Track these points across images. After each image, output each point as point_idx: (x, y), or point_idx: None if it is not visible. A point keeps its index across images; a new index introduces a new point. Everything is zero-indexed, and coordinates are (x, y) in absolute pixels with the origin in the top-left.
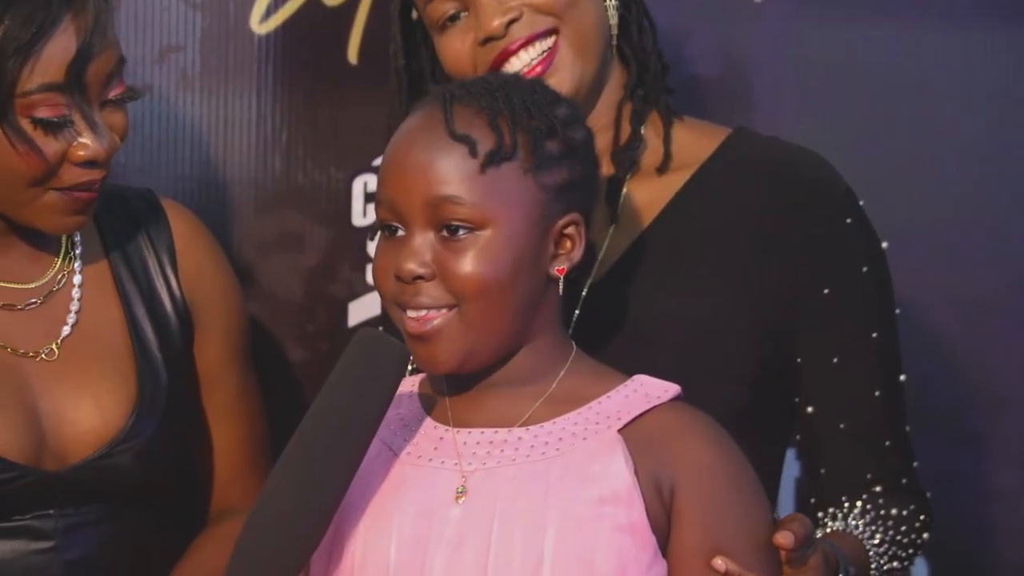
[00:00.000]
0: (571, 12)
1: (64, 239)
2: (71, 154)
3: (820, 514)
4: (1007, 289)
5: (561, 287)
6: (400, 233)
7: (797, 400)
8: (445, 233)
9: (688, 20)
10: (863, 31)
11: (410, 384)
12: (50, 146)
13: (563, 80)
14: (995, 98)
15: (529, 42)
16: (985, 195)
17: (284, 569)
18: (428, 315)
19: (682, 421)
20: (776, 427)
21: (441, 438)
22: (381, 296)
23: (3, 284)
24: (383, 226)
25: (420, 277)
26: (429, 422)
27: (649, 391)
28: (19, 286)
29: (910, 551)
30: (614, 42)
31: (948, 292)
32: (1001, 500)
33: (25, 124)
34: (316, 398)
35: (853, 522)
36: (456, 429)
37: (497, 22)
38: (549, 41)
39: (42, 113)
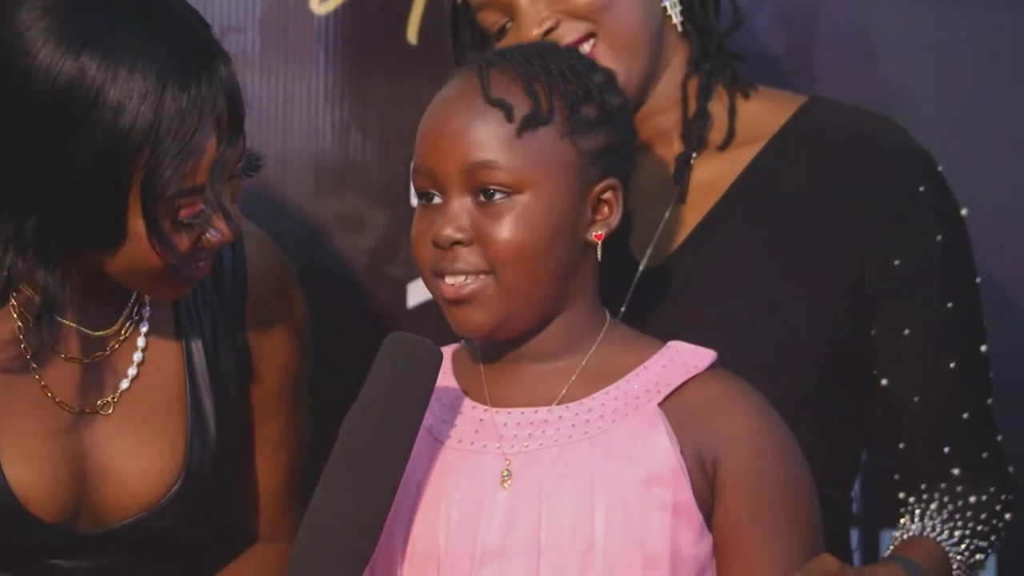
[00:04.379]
0: (608, 14)
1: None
2: (204, 242)
3: (902, 495)
4: None
5: (599, 254)
6: (437, 200)
7: (875, 373)
8: (482, 198)
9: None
10: (928, 2)
11: (447, 362)
12: (184, 242)
13: None
14: None
15: None
16: None
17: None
18: (465, 281)
19: (722, 391)
20: (855, 405)
21: (480, 419)
22: (419, 265)
23: (81, 329)
24: (421, 194)
25: (458, 242)
26: (467, 403)
27: (687, 360)
28: (92, 332)
29: (992, 538)
30: (678, 19)
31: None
32: None
33: (165, 225)
34: (355, 403)
35: (929, 522)
36: (495, 409)
37: (536, 31)
38: (587, 46)
39: (183, 215)
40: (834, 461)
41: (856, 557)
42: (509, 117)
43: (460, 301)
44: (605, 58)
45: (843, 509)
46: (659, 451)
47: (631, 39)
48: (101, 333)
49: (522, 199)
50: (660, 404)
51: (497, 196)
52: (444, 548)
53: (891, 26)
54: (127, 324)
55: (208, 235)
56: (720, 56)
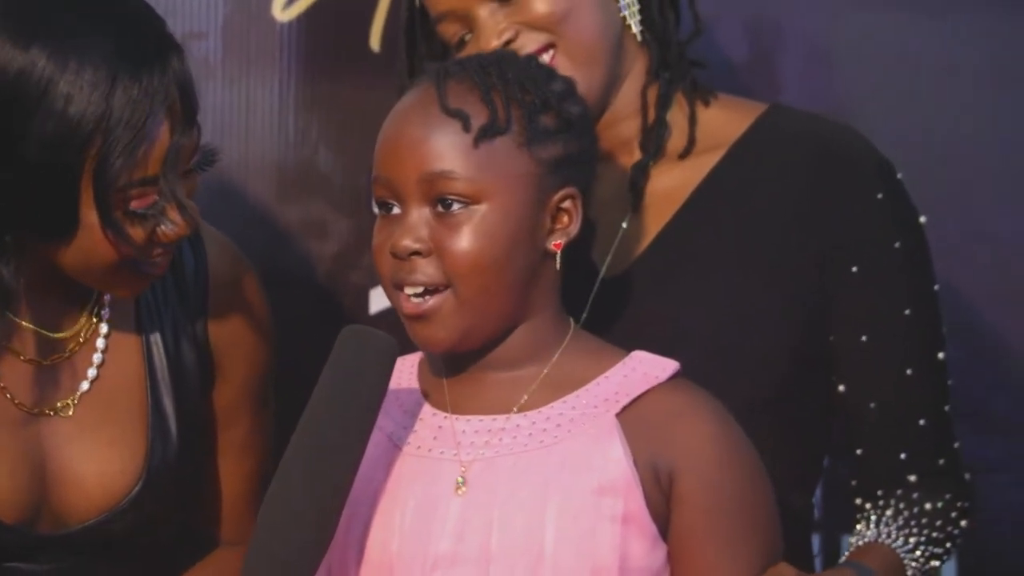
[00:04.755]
0: (566, 25)
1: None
2: (159, 235)
3: (859, 500)
4: None
5: (559, 263)
6: (396, 211)
7: (833, 379)
8: (440, 208)
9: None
10: (897, 11)
11: (409, 367)
12: (138, 234)
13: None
14: None
15: None
16: (1022, 176)
17: (298, 571)
18: (424, 298)
19: (681, 402)
20: (815, 411)
21: (440, 426)
22: (380, 276)
23: (39, 330)
24: (380, 203)
25: (416, 253)
26: (428, 409)
27: (648, 370)
28: (51, 334)
29: (948, 545)
30: (637, 28)
31: (982, 273)
32: None
33: (119, 216)
34: (311, 397)
35: (885, 529)
36: (455, 416)
37: (495, 43)
38: (547, 56)
39: (136, 205)
40: (796, 467)
41: (817, 563)
42: (466, 127)
43: (420, 317)
44: (564, 68)
45: (805, 515)
46: (612, 462)
47: (590, 49)
48: (60, 335)
49: (480, 209)
50: (618, 414)
51: (455, 206)
52: (397, 553)
53: (853, 34)
54: (86, 326)
55: (163, 228)
56: (680, 64)
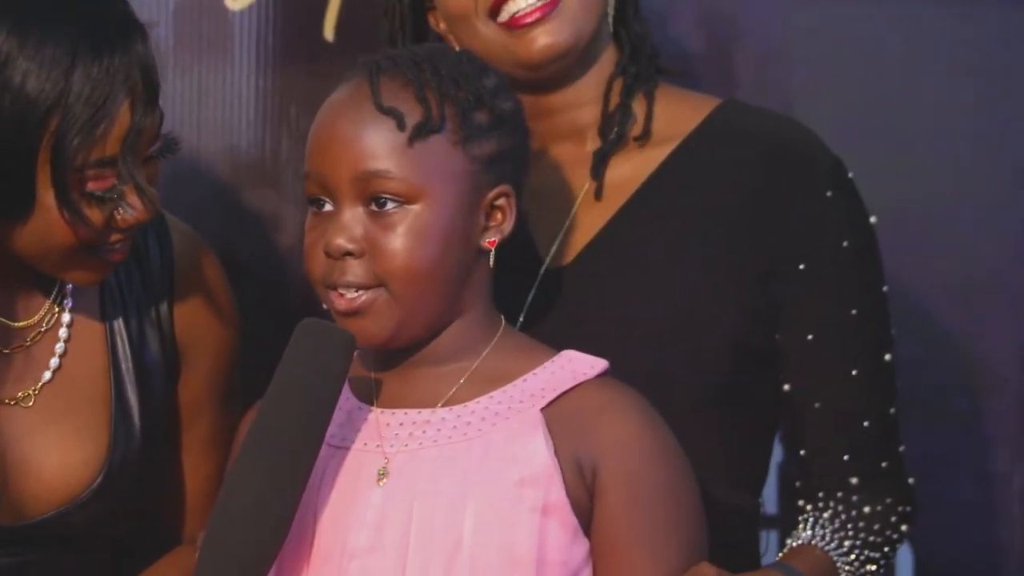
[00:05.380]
0: None
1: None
2: (119, 220)
3: (801, 502)
4: (999, 269)
5: (492, 261)
6: (328, 207)
7: (779, 378)
8: (374, 207)
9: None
10: (851, 5)
11: None
12: (96, 216)
13: (563, 27)
14: (988, 74)
15: None
16: (979, 173)
17: (256, 563)
18: (356, 294)
19: (605, 398)
20: (762, 409)
21: (365, 420)
22: (310, 274)
23: (1, 319)
24: (311, 200)
25: (349, 253)
26: (355, 403)
27: (576, 368)
28: (10, 323)
29: (885, 549)
30: (610, 20)
31: (939, 271)
32: (990, 482)
33: (76, 197)
34: (268, 389)
35: (820, 531)
36: (380, 410)
37: None
38: None
39: (93, 187)
40: (741, 465)
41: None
42: (400, 125)
43: (352, 313)
44: (569, 8)
45: (751, 514)
46: (535, 454)
47: (592, 1)
48: (21, 324)
49: (414, 208)
50: (543, 409)
51: (389, 205)
52: (316, 544)
53: (807, 28)
54: (48, 315)
55: (121, 212)
56: (649, 67)
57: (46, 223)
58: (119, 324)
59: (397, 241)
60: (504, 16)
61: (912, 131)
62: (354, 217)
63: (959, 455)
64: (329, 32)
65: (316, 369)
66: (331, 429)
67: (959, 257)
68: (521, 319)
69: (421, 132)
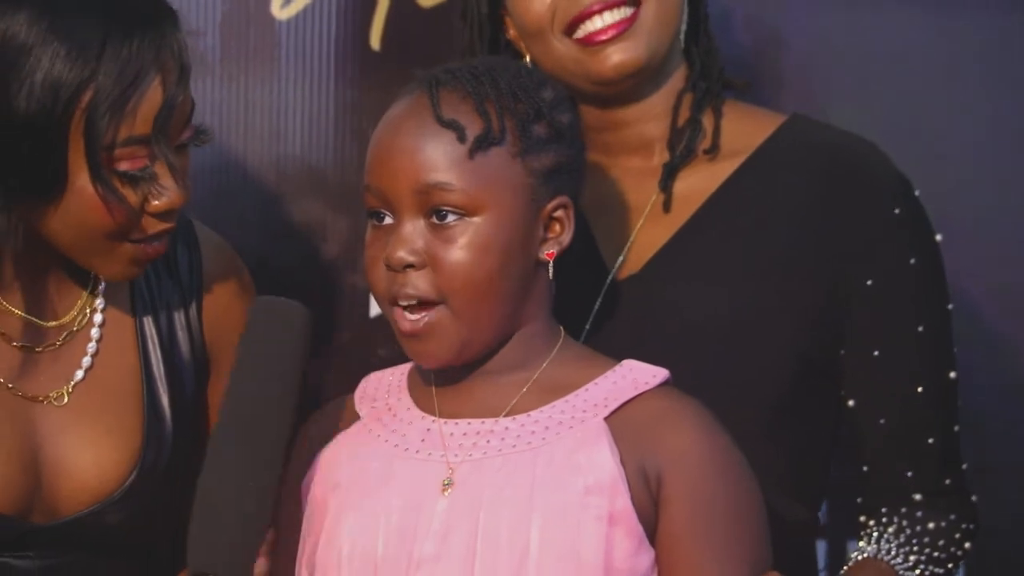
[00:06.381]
0: None
1: (92, 275)
2: (150, 204)
3: (863, 518)
4: None
5: (551, 272)
6: (388, 220)
7: (842, 393)
8: (435, 220)
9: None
10: (896, 14)
11: (399, 374)
12: (131, 198)
13: (638, 45)
14: None
15: (609, 7)
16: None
17: (245, 546)
18: (420, 315)
19: (668, 407)
20: (823, 424)
21: (428, 429)
22: (373, 289)
23: (29, 318)
24: (371, 213)
25: (411, 265)
26: (417, 413)
27: (637, 377)
28: (43, 323)
29: (949, 565)
30: (682, 36)
31: (991, 284)
32: None
33: (109, 175)
34: (231, 373)
35: (886, 545)
36: (443, 420)
37: None
38: (629, 10)
39: (125, 166)
40: (801, 478)
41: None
42: (461, 138)
43: (416, 335)
44: (644, 26)
45: (809, 527)
46: (600, 463)
47: (670, 18)
48: (54, 323)
49: (475, 221)
50: (606, 418)
51: (450, 218)
52: (382, 553)
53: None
54: (81, 315)
55: (155, 194)
56: (718, 83)
57: (80, 205)
58: (150, 326)
59: (458, 253)
60: (580, 33)
61: (959, 142)
62: (415, 230)
63: (1010, 468)
64: (376, 41)
65: (277, 345)
66: (395, 437)
67: (1009, 269)
68: (587, 329)
69: (482, 145)
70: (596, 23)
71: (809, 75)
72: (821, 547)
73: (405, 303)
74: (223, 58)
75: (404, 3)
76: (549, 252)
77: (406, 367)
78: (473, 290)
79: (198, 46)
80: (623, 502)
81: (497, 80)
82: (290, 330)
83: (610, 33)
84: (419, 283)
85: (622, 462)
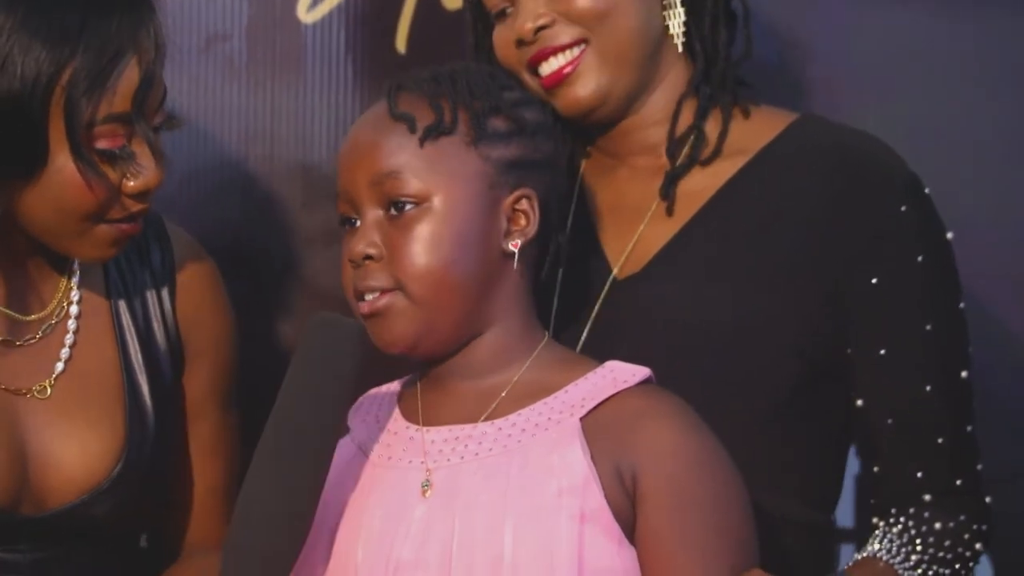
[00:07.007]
0: (604, 23)
1: (68, 268)
2: (127, 185)
3: (875, 519)
4: None
5: (515, 264)
6: (357, 223)
7: (851, 393)
8: (393, 211)
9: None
10: (923, 12)
11: (393, 387)
12: (110, 175)
13: (584, 87)
14: None
15: (554, 51)
16: None
17: (278, 563)
18: (377, 297)
19: (644, 404)
20: (832, 424)
21: (411, 438)
22: (344, 291)
23: (8, 312)
24: (343, 220)
25: (369, 257)
26: (402, 423)
27: (617, 376)
28: (22, 316)
29: (957, 566)
30: (680, 39)
31: (1013, 283)
32: None
33: (88, 152)
34: (282, 388)
35: (888, 544)
36: (426, 428)
37: (529, 26)
38: (576, 51)
39: (104, 144)
40: (811, 480)
41: None
42: (412, 128)
43: (373, 315)
44: (590, 66)
45: (823, 529)
46: (572, 463)
47: (621, 53)
48: (32, 317)
49: (429, 207)
50: (582, 418)
51: (407, 207)
52: (361, 559)
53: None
54: (58, 308)
55: (133, 172)
56: (725, 82)
57: (60, 183)
58: (126, 316)
59: (413, 242)
60: (541, 72)
61: (980, 142)
62: (374, 222)
63: None
64: (401, 44)
65: (329, 363)
66: (378, 448)
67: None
68: (588, 328)
69: (431, 133)
70: (552, 64)
71: (825, 75)
72: (848, 551)
73: (369, 296)
74: (249, 62)
75: (430, 6)
76: (515, 243)
77: (400, 381)
78: (428, 276)
79: (224, 50)
80: (596, 501)
81: (456, 80)
82: (345, 348)
83: (561, 75)
84: (378, 274)
85: (594, 460)
